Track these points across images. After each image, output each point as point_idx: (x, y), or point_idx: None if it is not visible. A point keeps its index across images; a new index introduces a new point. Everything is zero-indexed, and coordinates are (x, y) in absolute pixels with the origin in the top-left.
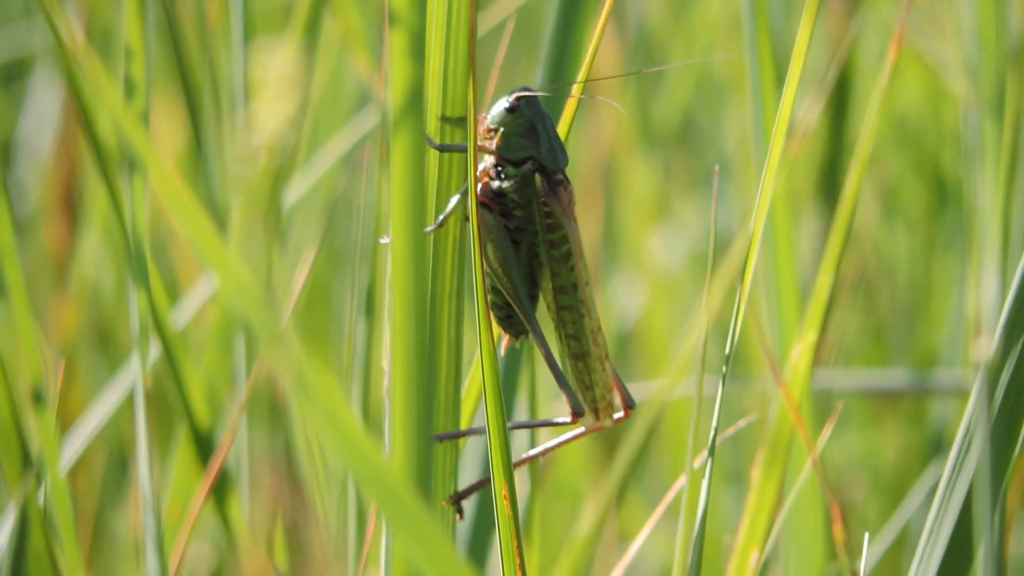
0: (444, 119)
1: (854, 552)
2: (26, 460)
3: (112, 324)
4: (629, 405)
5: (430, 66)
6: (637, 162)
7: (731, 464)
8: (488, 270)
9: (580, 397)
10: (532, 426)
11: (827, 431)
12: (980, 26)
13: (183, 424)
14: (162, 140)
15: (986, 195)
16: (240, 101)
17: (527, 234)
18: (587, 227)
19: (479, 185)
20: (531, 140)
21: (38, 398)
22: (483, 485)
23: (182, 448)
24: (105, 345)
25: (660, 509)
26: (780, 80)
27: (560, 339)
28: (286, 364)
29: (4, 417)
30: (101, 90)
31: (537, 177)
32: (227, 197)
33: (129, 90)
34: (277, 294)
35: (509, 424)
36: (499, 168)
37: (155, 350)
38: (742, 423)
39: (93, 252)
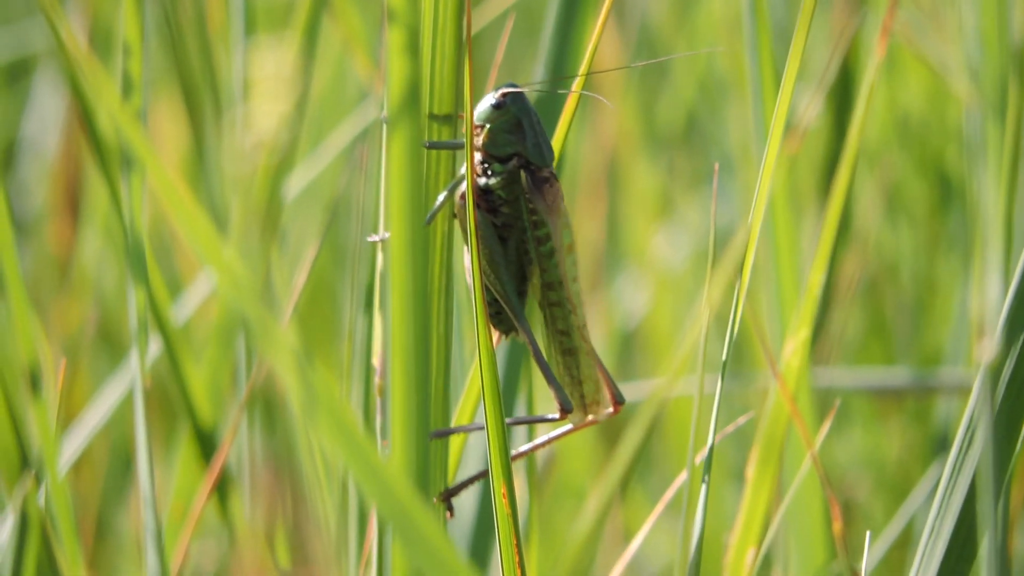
0: (432, 117)
1: (856, 550)
2: (26, 459)
3: (115, 322)
4: (618, 401)
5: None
6: (640, 160)
7: (734, 462)
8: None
9: (568, 392)
10: (520, 423)
11: (825, 427)
12: (982, 26)
13: (185, 422)
14: (164, 140)
15: (988, 194)
16: (239, 100)
17: (515, 230)
18: (590, 225)
19: (465, 182)
20: (517, 136)
21: (38, 397)
22: (473, 482)
23: (185, 446)
24: (108, 343)
25: (660, 506)
26: (780, 78)
27: (549, 335)
28: (285, 363)
29: (1, 416)
30: (99, 89)
31: (523, 173)
32: (227, 196)
33: (127, 89)
34: (277, 292)
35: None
36: (486, 165)
37: (157, 347)
38: (742, 420)
39: (95, 251)
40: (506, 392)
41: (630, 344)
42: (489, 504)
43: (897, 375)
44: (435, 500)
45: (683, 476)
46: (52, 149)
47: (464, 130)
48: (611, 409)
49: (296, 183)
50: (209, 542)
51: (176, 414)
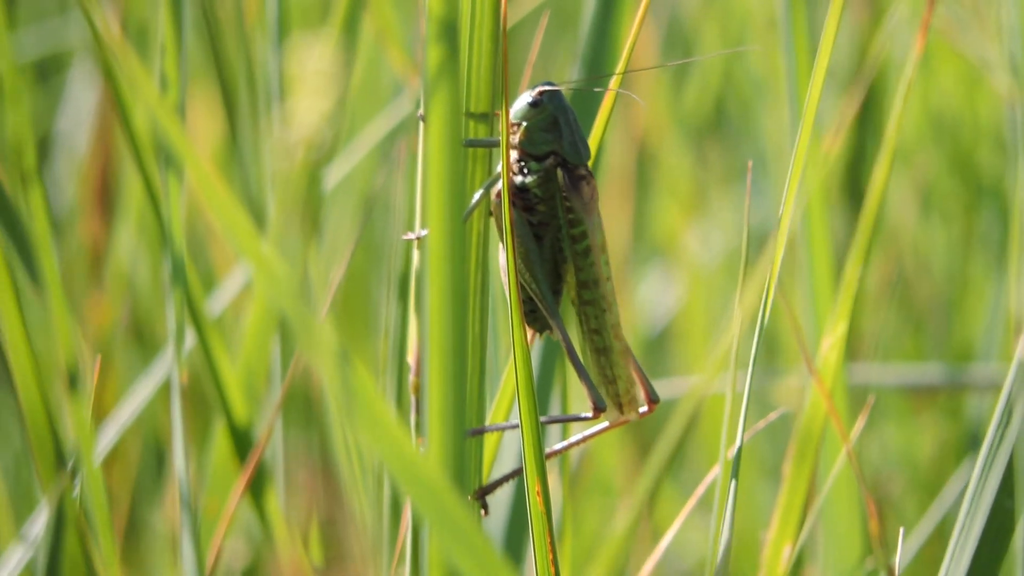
0: (468, 115)
1: (890, 547)
2: (61, 454)
3: (149, 317)
4: (653, 399)
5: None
6: (672, 156)
7: (769, 459)
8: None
9: (603, 391)
10: (554, 421)
11: (860, 422)
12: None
13: (220, 418)
14: (200, 135)
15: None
16: (276, 97)
17: (550, 229)
18: (620, 219)
19: (501, 180)
20: (554, 134)
21: (74, 393)
22: (507, 480)
23: (219, 442)
24: (142, 338)
25: (692, 501)
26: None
27: (583, 334)
28: (323, 359)
29: (37, 412)
30: (136, 83)
31: (559, 171)
32: (264, 192)
33: (164, 84)
34: (314, 288)
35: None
36: (522, 163)
37: (191, 342)
38: (773, 416)
39: (129, 246)
40: (540, 390)
41: (663, 342)
42: (523, 501)
43: (930, 371)
44: (469, 498)
45: (714, 472)
46: (85, 144)
47: (500, 128)
48: (645, 408)
49: (332, 178)
50: (241, 539)
51: (210, 410)
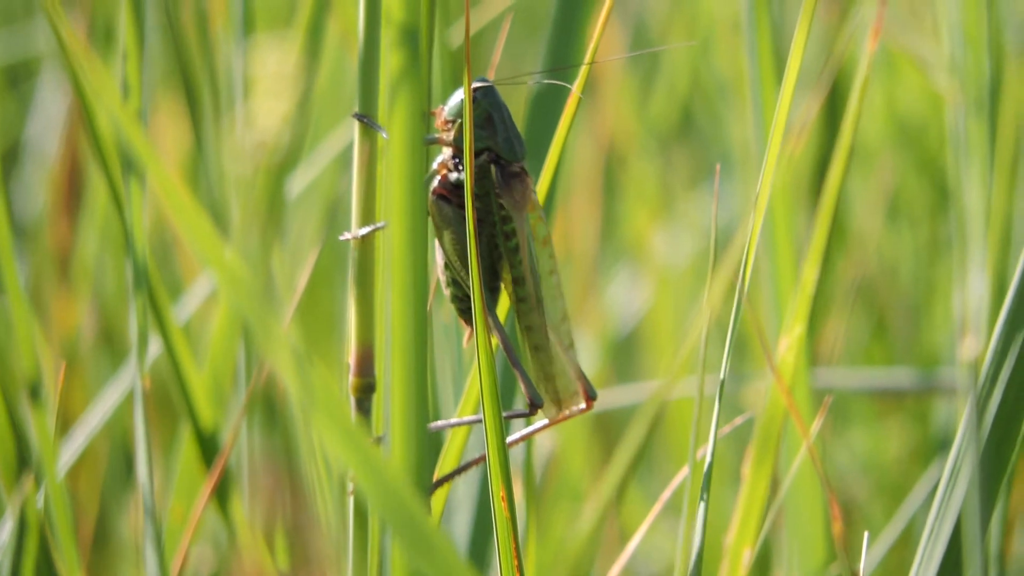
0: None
1: (856, 551)
2: (25, 462)
3: (116, 322)
4: (591, 396)
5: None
6: (640, 159)
7: (734, 465)
8: (447, 262)
9: (541, 388)
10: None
11: (820, 419)
12: (965, 22)
13: (187, 423)
14: (165, 140)
15: (972, 193)
16: (239, 100)
17: (486, 225)
18: (587, 224)
19: (437, 178)
20: (488, 131)
21: (36, 400)
22: (454, 476)
23: (186, 448)
24: (110, 343)
25: (658, 506)
26: (779, 77)
27: (519, 329)
28: (286, 365)
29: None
30: (99, 88)
31: (492, 168)
32: (228, 196)
33: (127, 89)
34: (279, 293)
35: (476, 417)
36: (456, 159)
37: (158, 349)
38: (739, 420)
39: (95, 251)
40: (504, 388)
41: (630, 345)
42: (487, 505)
43: (896, 376)
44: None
45: (681, 475)
46: (55, 150)
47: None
48: (583, 405)
49: (297, 182)
50: (208, 546)
51: (177, 415)
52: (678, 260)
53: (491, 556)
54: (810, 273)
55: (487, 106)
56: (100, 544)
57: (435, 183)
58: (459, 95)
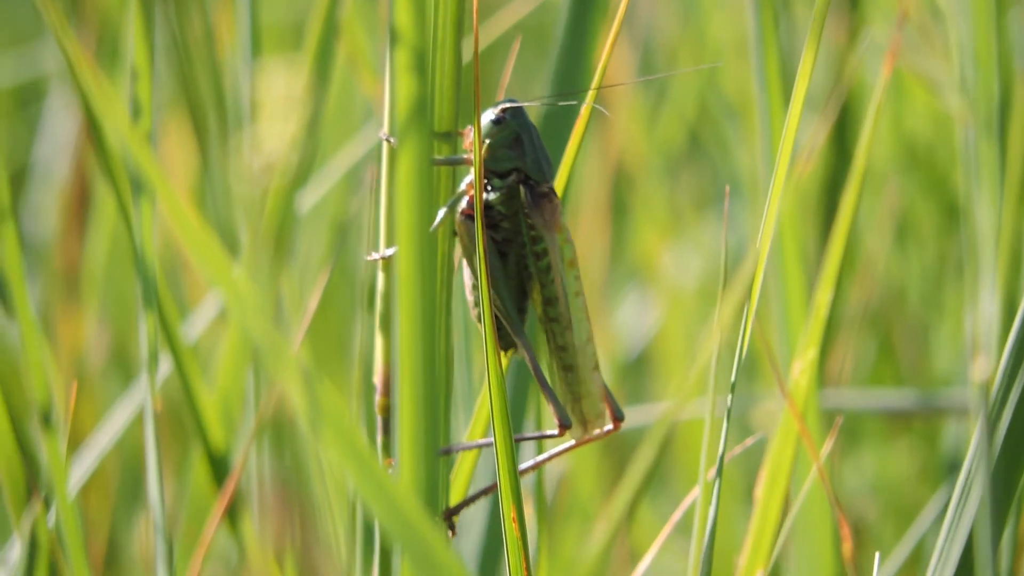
0: (431, 135)
1: (867, 572)
2: (35, 482)
3: (127, 341)
4: (618, 417)
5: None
6: (649, 181)
7: (745, 485)
8: (475, 282)
9: (569, 409)
10: (521, 440)
11: (830, 441)
12: (976, 44)
13: (198, 444)
14: (174, 161)
15: (983, 214)
16: (247, 122)
17: (515, 246)
18: (596, 245)
19: (465, 198)
20: (517, 152)
21: (46, 421)
22: (474, 500)
23: (197, 468)
24: (120, 362)
25: (668, 527)
26: (787, 99)
27: (549, 350)
28: (295, 387)
29: (7, 441)
30: (108, 111)
31: (522, 189)
32: (235, 219)
33: (137, 110)
34: (288, 315)
35: (489, 440)
36: (485, 180)
37: (168, 368)
38: (749, 441)
39: (104, 271)
40: (515, 409)
41: (640, 365)
42: (497, 526)
43: (906, 397)
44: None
45: (692, 496)
46: (64, 171)
47: (463, 146)
48: (611, 426)
49: (305, 202)
50: (219, 566)
51: (188, 434)
52: (688, 282)
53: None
54: (823, 297)
55: (516, 127)
56: (111, 564)
57: (463, 203)
58: (486, 116)
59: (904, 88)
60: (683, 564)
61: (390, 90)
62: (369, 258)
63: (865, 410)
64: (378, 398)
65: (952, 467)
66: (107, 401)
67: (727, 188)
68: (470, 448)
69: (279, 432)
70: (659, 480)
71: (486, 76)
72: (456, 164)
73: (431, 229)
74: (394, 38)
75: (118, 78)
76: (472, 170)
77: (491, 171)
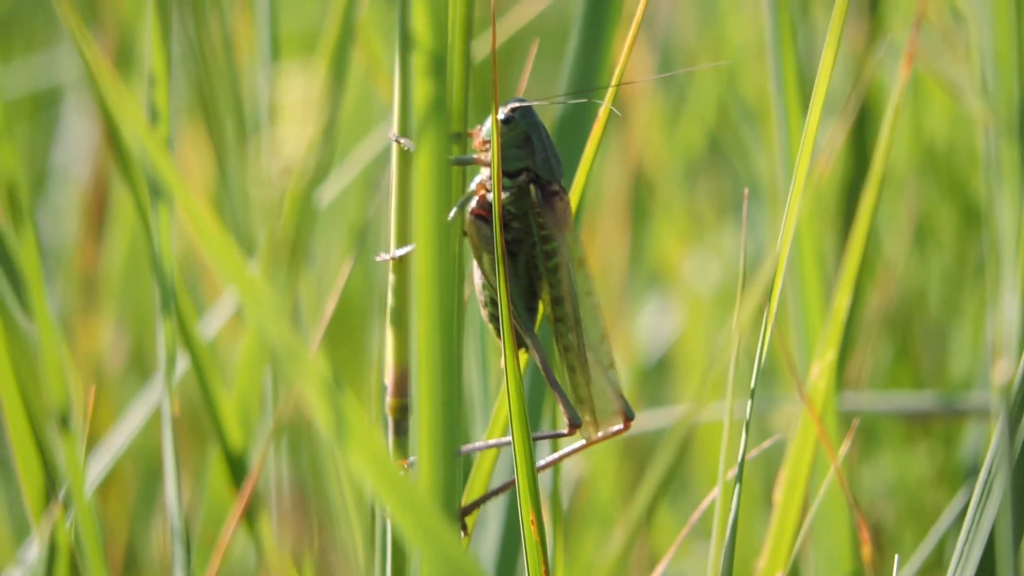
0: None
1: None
2: (54, 484)
3: (146, 345)
4: (629, 417)
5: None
6: (668, 184)
7: (763, 487)
8: (485, 282)
9: (579, 409)
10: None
11: (847, 442)
12: (997, 46)
13: (216, 446)
14: (192, 164)
15: (1005, 216)
16: (265, 125)
17: (524, 245)
18: (616, 249)
19: (475, 198)
20: (526, 151)
21: (64, 423)
22: (486, 500)
23: (214, 470)
24: (139, 364)
25: (686, 530)
26: (805, 102)
27: (558, 350)
28: (313, 390)
29: (26, 443)
30: (126, 116)
31: (532, 188)
32: (253, 222)
33: (155, 115)
34: (306, 318)
35: (506, 439)
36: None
37: (186, 370)
38: (767, 443)
39: (123, 275)
40: (531, 409)
41: (662, 369)
42: (514, 529)
43: (925, 399)
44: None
45: (710, 497)
46: (83, 175)
47: (473, 146)
48: (621, 425)
49: (323, 199)
50: (237, 569)
51: (205, 436)
52: (708, 287)
53: None
54: (842, 300)
55: (525, 126)
56: (130, 566)
57: (473, 203)
58: (497, 115)
59: (924, 91)
60: (702, 567)
61: (400, 91)
62: (379, 258)
63: (884, 413)
64: (389, 399)
65: (972, 470)
66: (126, 404)
67: (745, 192)
68: (487, 448)
69: (297, 434)
70: (679, 483)
71: (502, 78)
72: (466, 164)
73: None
74: (405, 40)
75: (136, 82)
76: (482, 170)
77: (501, 170)
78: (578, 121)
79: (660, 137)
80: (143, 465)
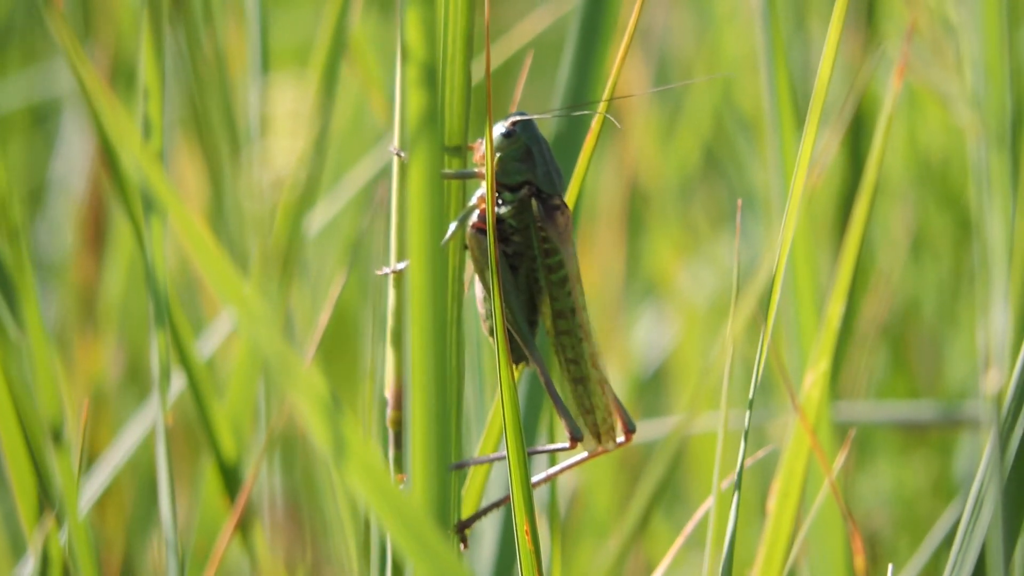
0: (443, 148)
1: None
2: (48, 499)
3: (144, 359)
4: (630, 429)
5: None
6: (664, 197)
7: (757, 498)
8: (486, 296)
9: (581, 421)
10: (532, 453)
11: (842, 455)
12: (986, 57)
13: (209, 459)
14: (187, 177)
15: (994, 226)
16: (256, 138)
17: (525, 259)
18: (611, 261)
19: (475, 212)
20: (528, 164)
21: (58, 439)
22: (486, 513)
23: (209, 483)
24: (137, 379)
25: (680, 539)
26: (798, 113)
27: (560, 364)
28: (306, 402)
29: (21, 458)
30: (120, 132)
31: (533, 202)
32: (246, 235)
33: (148, 128)
34: (299, 331)
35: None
36: (496, 194)
37: (182, 385)
38: (761, 453)
39: (121, 289)
40: (527, 422)
41: (657, 381)
42: (510, 540)
43: (921, 409)
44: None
45: (705, 507)
46: (80, 189)
47: (474, 160)
48: (623, 438)
49: (317, 220)
50: None
51: (202, 450)
52: (703, 298)
53: None
54: (835, 309)
55: (526, 140)
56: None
57: (474, 217)
58: (497, 129)
59: (918, 102)
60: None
61: (400, 105)
62: (380, 272)
63: (880, 422)
64: (390, 412)
65: (967, 480)
66: (124, 418)
67: (739, 202)
68: (482, 463)
69: (290, 446)
70: (675, 493)
71: (501, 92)
72: (467, 178)
73: (442, 243)
74: (404, 53)
75: (132, 96)
76: (481, 183)
77: (502, 184)
78: (573, 133)
79: (656, 148)
80: (141, 478)
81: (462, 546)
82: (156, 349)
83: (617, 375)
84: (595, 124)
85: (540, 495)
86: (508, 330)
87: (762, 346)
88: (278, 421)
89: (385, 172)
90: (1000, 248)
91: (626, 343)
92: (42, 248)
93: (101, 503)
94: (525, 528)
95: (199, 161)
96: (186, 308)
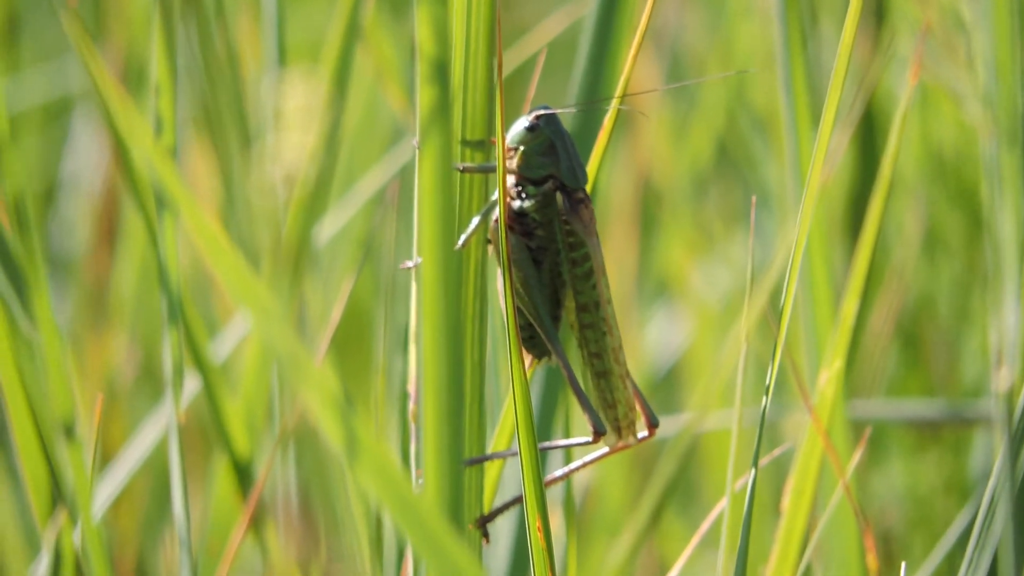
0: (464, 143)
1: None
2: (62, 498)
3: (157, 358)
4: (653, 424)
5: (451, 92)
6: (677, 194)
7: (772, 496)
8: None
9: (603, 416)
10: (554, 447)
11: (856, 456)
12: (997, 54)
13: (223, 458)
14: (199, 173)
15: (1006, 224)
16: (267, 133)
17: (549, 253)
18: (624, 259)
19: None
20: (551, 158)
21: (70, 437)
22: (508, 507)
23: (221, 481)
24: (151, 377)
25: (696, 538)
26: (814, 111)
27: (583, 358)
28: (318, 400)
29: (34, 457)
30: (132, 130)
31: (558, 195)
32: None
33: (160, 125)
34: (311, 328)
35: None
36: (519, 187)
37: (196, 384)
38: (776, 452)
39: (134, 286)
40: (544, 416)
41: (671, 380)
42: (525, 536)
43: (935, 407)
44: (470, 527)
45: (720, 507)
46: (93, 186)
47: (495, 153)
48: (645, 432)
49: (332, 220)
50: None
51: (214, 447)
52: (717, 297)
53: None
54: (850, 307)
55: (550, 134)
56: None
57: (496, 212)
58: (520, 123)
59: (932, 100)
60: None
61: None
62: (403, 267)
63: (894, 420)
64: (412, 406)
65: (982, 478)
66: (139, 416)
67: (753, 200)
68: (497, 458)
69: (303, 444)
70: (689, 491)
71: (516, 90)
72: (489, 172)
73: (464, 237)
74: (419, 49)
75: (146, 91)
76: (507, 177)
77: (525, 178)
78: (586, 129)
79: (669, 145)
80: (155, 475)
81: (484, 541)
82: (169, 347)
83: (631, 373)
84: (607, 121)
85: (557, 490)
86: (531, 325)
87: (777, 344)
88: (291, 419)
89: (401, 169)
90: (1011, 246)
91: (639, 342)
92: (55, 245)
93: (114, 501)
94: (537, 525)
95: (211, 158)
96: (199, 305)
